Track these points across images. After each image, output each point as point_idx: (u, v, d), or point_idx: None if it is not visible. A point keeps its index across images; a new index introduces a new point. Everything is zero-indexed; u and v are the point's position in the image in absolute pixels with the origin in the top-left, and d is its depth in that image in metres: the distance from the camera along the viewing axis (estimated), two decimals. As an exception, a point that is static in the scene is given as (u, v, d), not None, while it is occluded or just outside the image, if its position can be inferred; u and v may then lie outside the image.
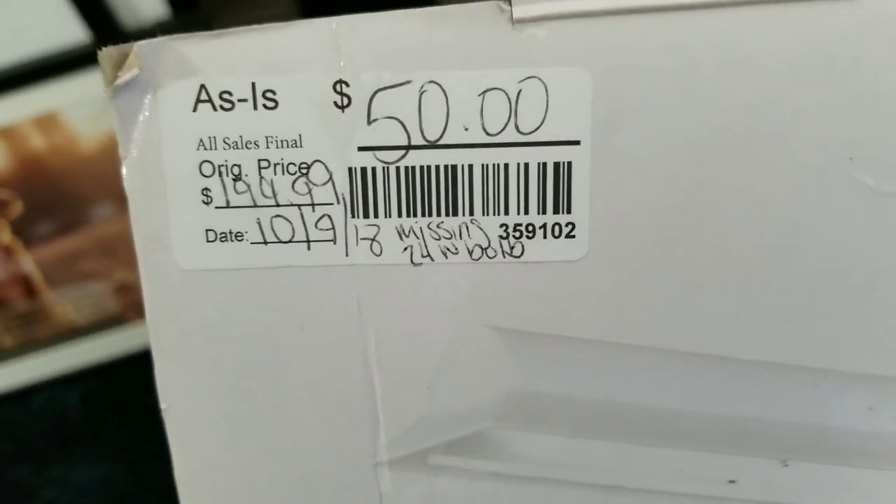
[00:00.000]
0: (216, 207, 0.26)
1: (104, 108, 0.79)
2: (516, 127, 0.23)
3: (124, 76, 0.26)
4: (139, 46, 0.27)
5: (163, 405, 0.29)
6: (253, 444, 0.28)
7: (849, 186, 0.22)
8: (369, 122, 0.24)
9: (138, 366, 0.89)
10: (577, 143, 0.22)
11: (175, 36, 0.27)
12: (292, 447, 0.28)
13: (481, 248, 0.24)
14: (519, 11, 0.22)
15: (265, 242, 0.26)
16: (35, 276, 0.81)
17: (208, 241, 0.26)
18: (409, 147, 0.23)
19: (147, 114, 0.28)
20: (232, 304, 0.27)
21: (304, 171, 0.25)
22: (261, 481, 0.28)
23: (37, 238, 0.79)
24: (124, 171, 0.28)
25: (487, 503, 0.23)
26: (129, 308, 0.86)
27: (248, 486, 0.28)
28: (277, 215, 0.25)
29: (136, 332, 0.87)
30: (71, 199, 0.78)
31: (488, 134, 0.23)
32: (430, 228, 0.24)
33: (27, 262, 0.80)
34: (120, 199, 0.80)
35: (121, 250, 0.82)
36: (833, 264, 0.23)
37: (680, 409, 0.23)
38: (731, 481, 0.23)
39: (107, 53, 0.27)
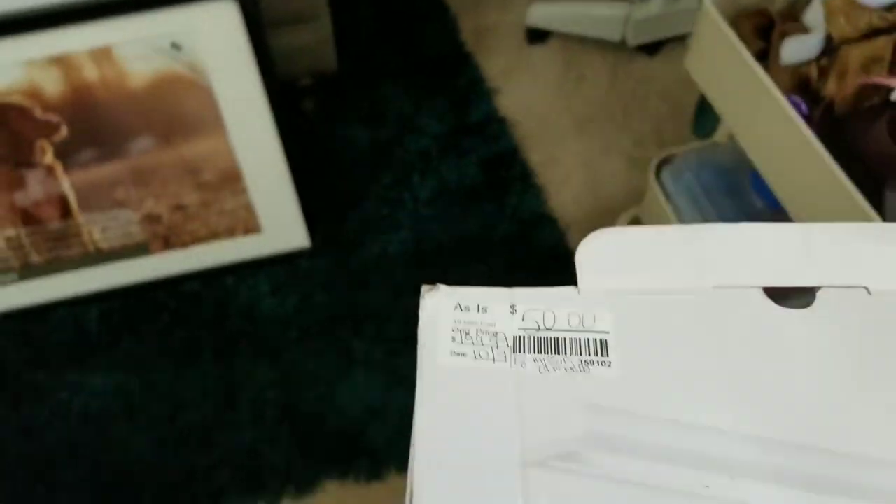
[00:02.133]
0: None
1: (155, 49, 0.80)
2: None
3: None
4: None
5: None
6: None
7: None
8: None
9: (155, 292, 0.90)
10: None
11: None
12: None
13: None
14: None
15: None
16: (71, 198, 0.82)
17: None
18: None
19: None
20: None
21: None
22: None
23: (77, 163, 0.80)
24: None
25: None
26: (153, 238, 0.87)
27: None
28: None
29: (156, 261, 0.88)
30: (113, 130, 0.79)
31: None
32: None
33: (65, 185, 0.81)
34: (158, 135, 0.81)
35: (153, 182, 0.83)
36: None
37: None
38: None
39: None
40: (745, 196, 0.70)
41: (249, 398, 0.82)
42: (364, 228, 0.96)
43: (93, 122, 0.78)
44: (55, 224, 0.83)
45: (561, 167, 1.02)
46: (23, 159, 0.78)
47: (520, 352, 0.25)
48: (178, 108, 0.78)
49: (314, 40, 1.00)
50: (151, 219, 0.85)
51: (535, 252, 0.93)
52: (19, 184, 0.79)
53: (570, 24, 1.17)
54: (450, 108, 1.08)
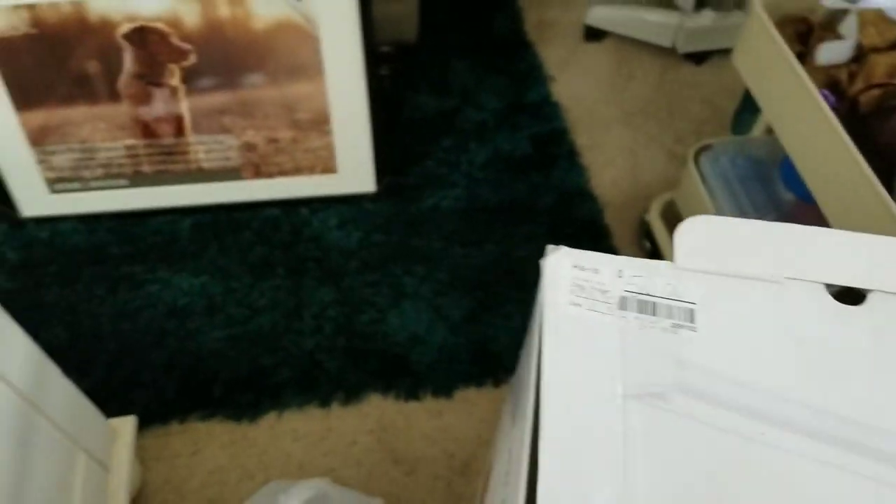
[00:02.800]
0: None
1: None
2: None
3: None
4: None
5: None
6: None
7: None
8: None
9: (241, 212, 1.01)
10: None
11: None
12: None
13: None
14: None
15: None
16: (186, 119, 0.92)
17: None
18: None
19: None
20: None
21: None
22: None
23: (197, 88, 0.90)
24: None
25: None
26: (247, 165, 0.97)
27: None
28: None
29: (246, 185, 0.99)
30: (232, 64, 0.89)
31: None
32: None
33: (184, 106, 0.92)
34: (268, 73, 0.91)
35: (256, 115, 0.93)
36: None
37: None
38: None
39: None
40: (774, 186, 0.79)
41: (313, 313, 0.93)
42: (423, 183, 1.06)
43: (217, 54, 0.88)
44: (169, 140, 0.94)
45: (605, 152, 1.12)
46: (154, 78, 0.89)
47: (624, 309, 0.29)
48: (289, 52, 0.89)
49: (402, 13, 1.09)
50: (248, 147, 0.96)
51: (573, 222, 1.02)
52: (147, 99, 0.90)
53: (626, 26, 1.25)
54: (509, 88, 1.18)
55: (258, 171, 0.98)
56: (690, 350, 0.28)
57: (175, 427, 0.84)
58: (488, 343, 0.91)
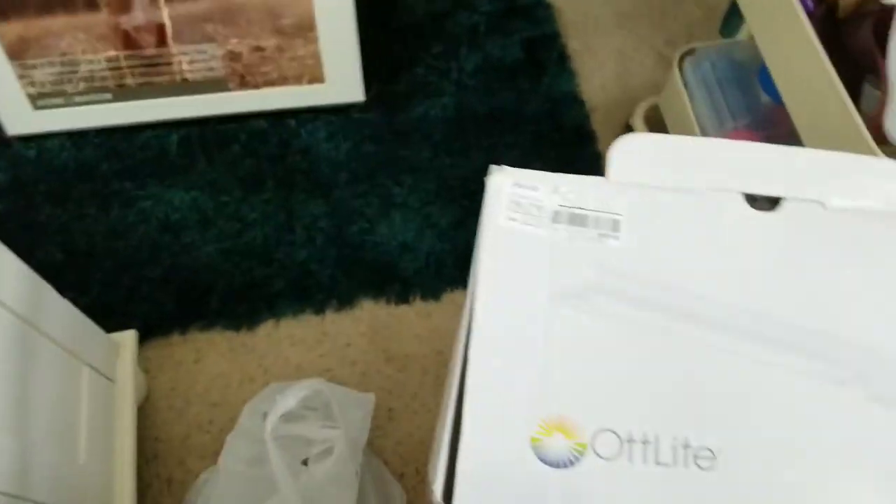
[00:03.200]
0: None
1: None
2: None
3: None
4: None
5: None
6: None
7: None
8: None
9: (228, 125, 0.99)
10: None
11: None
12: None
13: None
14: None
15: None
16: (167, 27, 0.89)
17: None
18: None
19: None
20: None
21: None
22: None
23: (175, -2, 0.87)
24: None
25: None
26: (232, 75, 0.95)
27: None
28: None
29: (232, 97, 0.97)
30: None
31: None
32: None
33: (164, 14, 0.88)
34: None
35: (239, 22, 0.90)
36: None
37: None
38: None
39: None
40: (753, 89, 0.77)
41: (304, 224, 0.93)
42: (412, 91, 1.03)
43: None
44: (151, 50, 0.91)
45: (596, 56, 1.09)
46: (131, -11, 0.85)
47: (556, 222, 0.32)
48: (267, -41, 0.85)
49: None
50: (232, 56, 0.93)
51: (560, 128, 1.01)
52: (126, 7, 0.87)
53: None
54: (500, -10, 1.13)
55: (244, 82, 0.96)
56: (613, 256, 0.31)
57: (176, 338, 0.86)
58: (474, 249, 0.91)
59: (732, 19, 0.96)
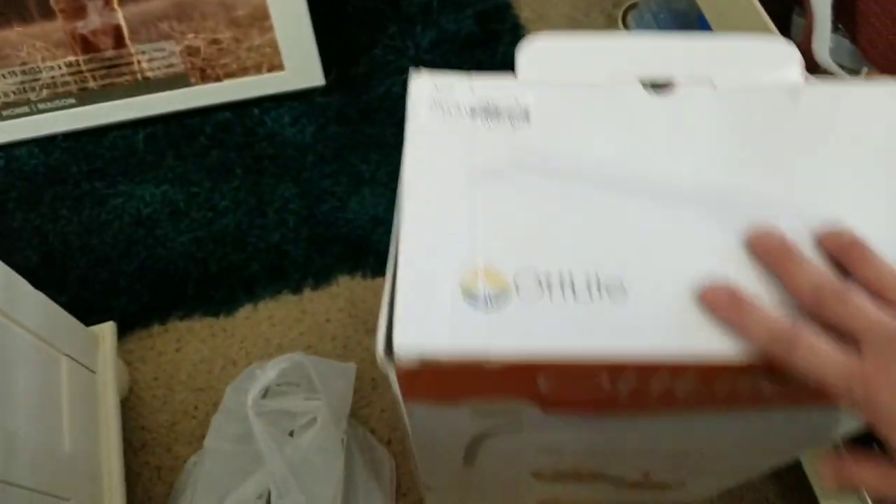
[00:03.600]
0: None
1: None
2: None
3: None
4: None
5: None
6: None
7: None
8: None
9: (193, 119, 0.99)
10: None
11: None
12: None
13: None
14: None
15: None
16: (124, 28, 0.90)
17: None
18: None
19: None
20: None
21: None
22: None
23: (127, -4, 0.88)
24: None
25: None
26: (192, 70, 0.95)
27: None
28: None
29: (194, 91, 0.97)
30: (154, -30, 0.86)
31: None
32: None
33: (119, 16, 0.89)
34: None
35: (194, 17, 0.91)
36: None
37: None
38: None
39: None
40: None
41: (275, 208, 0.93)
42: (372, 71, 1.04)
43: (136, -38, 0.85)
44: (109, 52, 0.91)
45: (548, 22, 1.10)
46: (82, -12, 0.86)
47: (472, 117, 0.35)
48: (213, -53, 0.85)
49: None
50: (191, 51, 0.94)
51: (521, 95, 1.01)
52: (81, 13, 0.87)
53: None
54: (451, -32, 1.14)
55: (205, 75, 0.96)
56: (524, 139, 0.33)
57: (157, 329, 0.87)
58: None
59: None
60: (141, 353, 0.85)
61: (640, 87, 0.35)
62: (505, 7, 1.10)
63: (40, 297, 0.69)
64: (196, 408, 0.82)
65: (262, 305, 0.87)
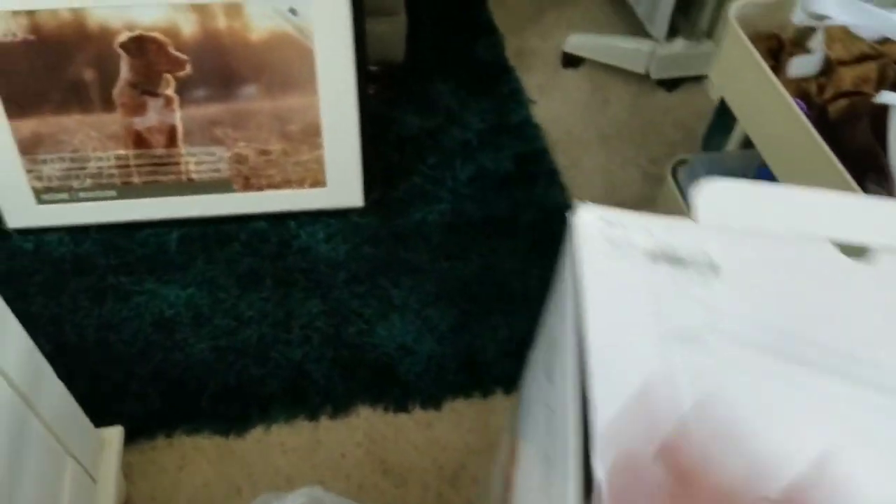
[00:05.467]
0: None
1: (276, 11, 0.85)
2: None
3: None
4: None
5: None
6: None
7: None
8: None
9: (229, 224, 0.94)
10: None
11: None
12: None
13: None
14: None
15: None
16: (179, 129, 0.86)
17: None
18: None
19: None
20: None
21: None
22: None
23: (191, 98, 0.84)
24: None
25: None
26: (237, 177, 0.91)
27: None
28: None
29: (235, 198, 0.93)
30: (227, 75, 0.83)
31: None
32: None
33: (177, 117, 0.85)
34: (262, 84, 0.85)
35: (248, 126, 0.88)
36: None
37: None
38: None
39: None
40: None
41: (300, 324, 0.87)
42: (409, 198, 1.01)
43: (213, 65, 0.83)
44: (160, 150, 0.87)
45: (583, 171, 1.08)
46: (149, 88, 0.82)
47: (653, 262, 0.29)
48: (284, 64, 0.83)
49: (391, 32, 1.05)
50: (239, 159, 0.90)
51: (555, 238, 0.98)
52: (140, 109, 0.84)
53: (602, 53, 1.23)
54: (492, 109, 1.14)
55: (248, 184, 0.92)
56: (718, 299, 0.29)
57: (161, 441, 0.77)
58: (475, 354, 0.86)
59: (714, 138, 0.97)
60: (142, 467, 0.75)
61: (834, 248, 0.30)
62: (542, 152, 1.09)
63: (61, 389, 0.61)
64: (191, 537, 0.72)
65: (275, 429, 0.79)
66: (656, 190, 1.06)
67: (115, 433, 0.70)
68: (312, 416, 0.80)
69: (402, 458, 0.78)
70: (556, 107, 1.17)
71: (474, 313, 0.89)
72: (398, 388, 0.82)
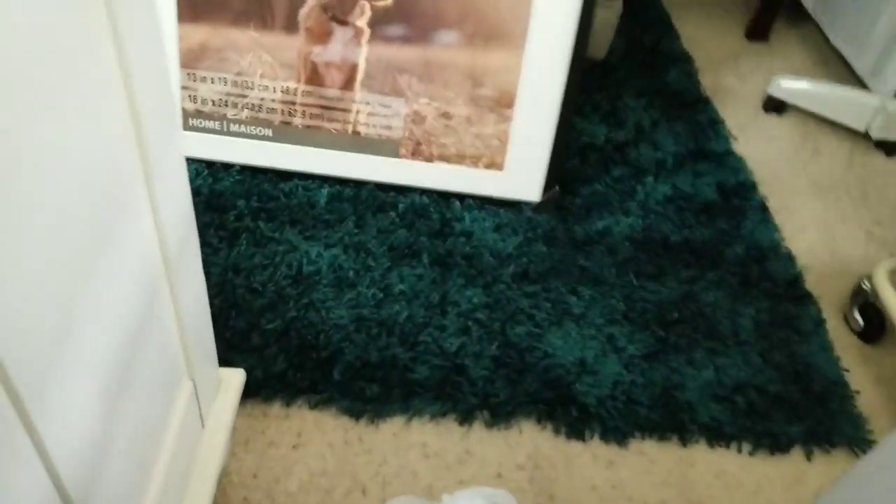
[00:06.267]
0: None
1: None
2: None
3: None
4: None
5: None
6: None
7: None
8: None
9: (386, 191, 0.83)
10: None
11: None
12: None
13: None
14: None
15: None
16: (360, 70, 0.77)
17: None
18: None
19: None
20: None
21: None
22: None
23: (383, 35, 0.75)
24: None
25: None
26: (406, 140, 0.81)
27: None
28: None
29: (399, 165, 0.82)
30: (429, 15, 0.74)
31: None
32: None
33: (362, 54, 0.77)
34: (464, 32, 0.75)
35: (436, 80, 0.78)
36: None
37: None
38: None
39: None
40: None
41: (459, 312, 0.73)
42: (592, 205, 0.88)
43: (415, 2, 0.74)
44: (333, 91, 0.78)
45: (796, 218, 0.93)
46: (341, 14, 0.74)
47: None
48: (494, 10, 0.74)
49: (603, 22, 0.96)
50: (416, 118, 0.80)
51: (770, 278, 0.82)
52: (325, 38, 0.75)
53: (815, 102, 1.10)
54: (688, 135, 1.01)
55: (418, 150, 0.82)
56: None
57: (277, 409, 0.63)
58: (674, 390, 0.69)
59: None
60: (248, 436, 0.61)
61: None
62: (750, 185, 0.95)
63: (201, 285, 0.48)
64: (299, 535, 0.56)
65: (417, 424, 0.64)
66: (882, 253, 0.90)
67: (235, 376, 0.57)
68: (464, 419, 0.65)
69: (575, 497, 0.60)
70: (759, 147, 1.04)
71: (672, 344, 0.73)
72: (575, 410, 0.66)
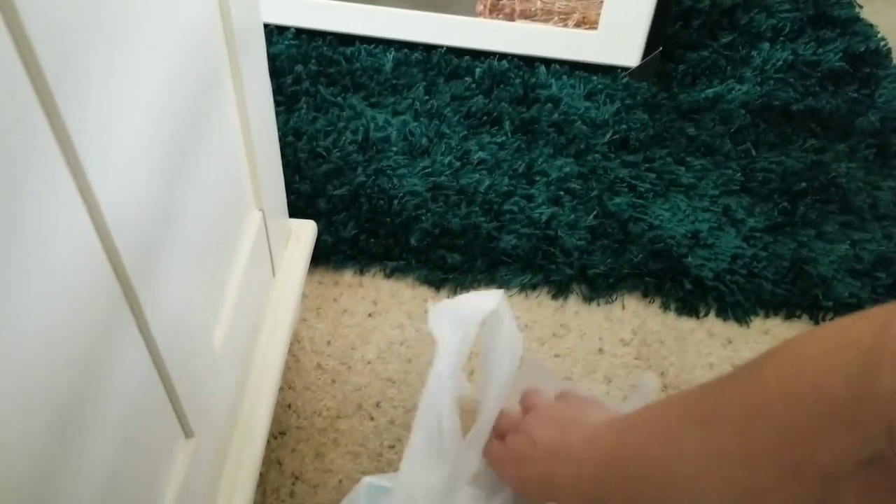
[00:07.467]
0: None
1: None
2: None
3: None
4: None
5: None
6: None
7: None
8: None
9: (459, 56, 0.77)
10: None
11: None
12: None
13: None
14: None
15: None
16: None
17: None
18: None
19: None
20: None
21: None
22: None
23: None
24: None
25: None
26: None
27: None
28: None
29: (475, 25, 0.76)
30: None
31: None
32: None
33: None
34: None
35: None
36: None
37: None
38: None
39: None
40: None
41: (548, 181, 0.67)
42: (699, 72, 0.80)
43: None
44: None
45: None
46: None
47: None
48: None
49: None
50: (500, -40, 0.73)
51: (914, 148, 0.73)
52: None
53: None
54: (806, 0, 0.92)
55: (496, 8, 0.75)
56: None
57: (349, 277, 0.59)
58: (804, 264, 0.62)
59: None
60: (318, 303, 0.57)
61: None
62: (882, 53, 0.85)
63: (270, 108, 0.44)
64: (378, 405, 0.52)
65: (522, 298, 0.59)
66: None
67: (306, 227, 0.53)
68: (559, 292, 0.60)
69: (687, 375, 0.55)
70: (889, 17, 0.94)
71: (801, 216, 0.66)
72: (689, 283, 0.60)
